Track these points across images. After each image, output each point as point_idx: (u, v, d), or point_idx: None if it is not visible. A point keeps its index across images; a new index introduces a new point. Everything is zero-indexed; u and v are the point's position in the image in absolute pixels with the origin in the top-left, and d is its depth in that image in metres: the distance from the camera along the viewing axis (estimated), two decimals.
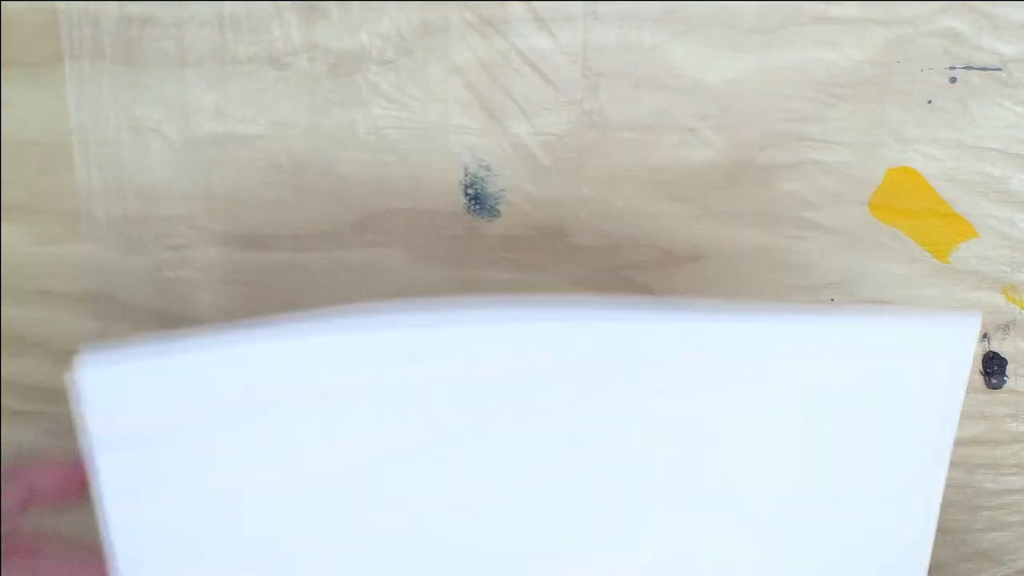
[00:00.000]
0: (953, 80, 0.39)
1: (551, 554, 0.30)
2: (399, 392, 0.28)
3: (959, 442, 0.43)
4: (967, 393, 0.42)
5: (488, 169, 0.40)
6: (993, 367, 0.42)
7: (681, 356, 0.29)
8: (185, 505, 0.28)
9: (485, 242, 0.40)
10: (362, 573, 0.30)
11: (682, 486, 0.31)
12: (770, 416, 0.31)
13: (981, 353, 0.42)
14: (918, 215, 0.40)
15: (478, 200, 0.40)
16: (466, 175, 0.40)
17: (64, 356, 0.40)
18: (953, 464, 0.43)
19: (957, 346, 0.31)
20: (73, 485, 0.32)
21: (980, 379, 0.42)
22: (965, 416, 0.43)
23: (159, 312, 0.40)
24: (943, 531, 0.44)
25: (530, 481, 0.30)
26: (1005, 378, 0.42)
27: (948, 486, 0.43)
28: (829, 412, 0.31)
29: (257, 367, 0.28)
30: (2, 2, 0.37)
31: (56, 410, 0.41)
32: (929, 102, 0.39)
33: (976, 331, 0.32)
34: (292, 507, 0.29)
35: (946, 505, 0.44)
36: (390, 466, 0.29)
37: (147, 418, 0.28)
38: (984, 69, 0.39)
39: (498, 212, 0.40)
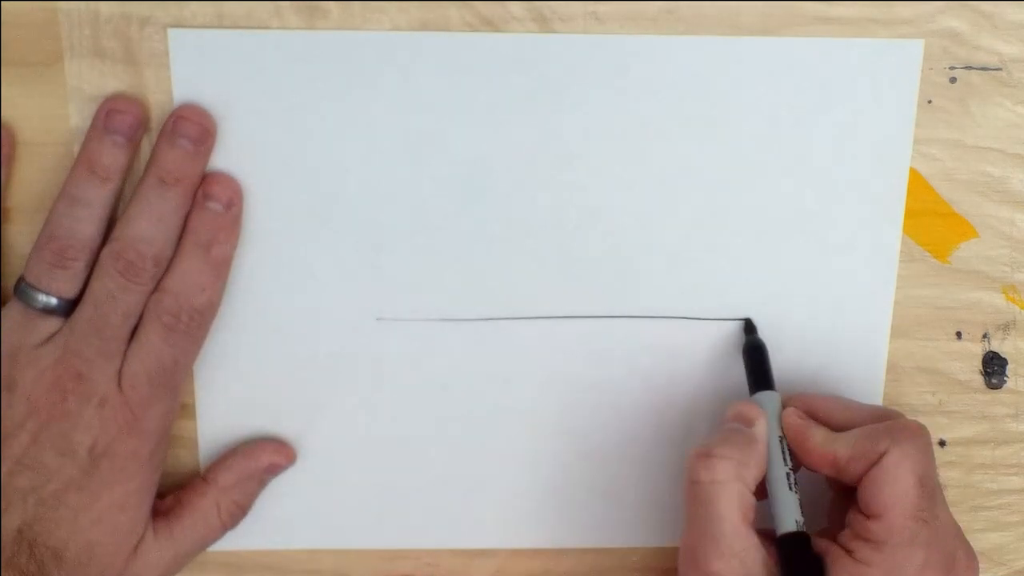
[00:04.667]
0: (953, 80, 0.39)
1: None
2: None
3: (959, 442, 0.43)
4: (967, 393, 0.43)
5: None
6: (993, 367, 0.42)
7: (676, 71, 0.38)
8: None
9: None
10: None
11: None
12: (744, 118, 0.39)
13: (981, 353, 0.42)
14: (918, 215, 0.40)
15: None
16: None
17: None
18: (953, 464, 0.43)
19: (903, 66, 0.38)
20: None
21: (980, 379, 0.42)
22: (965, 416, 0.43)
23: None
24: None
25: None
26: (1005, 378, 0.42)
27: (948, 486, 0.43)
28: (798, 118, 0.39)
29: (321, 56, 0.37)
30: (2, 2, 0.37)
31: None
32: (929, 102, 0.39)
33: (919, 55, 0.38)
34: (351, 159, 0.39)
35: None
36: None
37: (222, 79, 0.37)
38: (984, 69, 0.39)
39: None
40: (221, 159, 0.38)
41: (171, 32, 0.37)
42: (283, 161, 0.38)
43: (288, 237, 0.39)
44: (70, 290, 0.36)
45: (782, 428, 0.37)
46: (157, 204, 0.37)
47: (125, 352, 0.37)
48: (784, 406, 0.38)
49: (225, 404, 0.41)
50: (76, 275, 0.36)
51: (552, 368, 0.41)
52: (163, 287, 0.37)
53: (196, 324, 0.37)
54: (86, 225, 0.36)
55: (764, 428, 0.37)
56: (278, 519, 0.42)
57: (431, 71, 0.38)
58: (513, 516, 0.43)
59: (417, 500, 0.42)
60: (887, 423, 0.36)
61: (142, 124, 0.37)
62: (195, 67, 0.37)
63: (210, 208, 0.38)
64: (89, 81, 0.37)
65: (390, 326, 0.40)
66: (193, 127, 0.37)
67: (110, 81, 0.37)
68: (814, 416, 0.38)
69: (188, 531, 0.39)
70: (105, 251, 0.37)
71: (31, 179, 0.38)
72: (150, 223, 0.37)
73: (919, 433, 0.36)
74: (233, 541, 0.41)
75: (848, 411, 0.38)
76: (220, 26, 0.37)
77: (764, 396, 0.38)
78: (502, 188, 0.39)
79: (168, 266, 0.37)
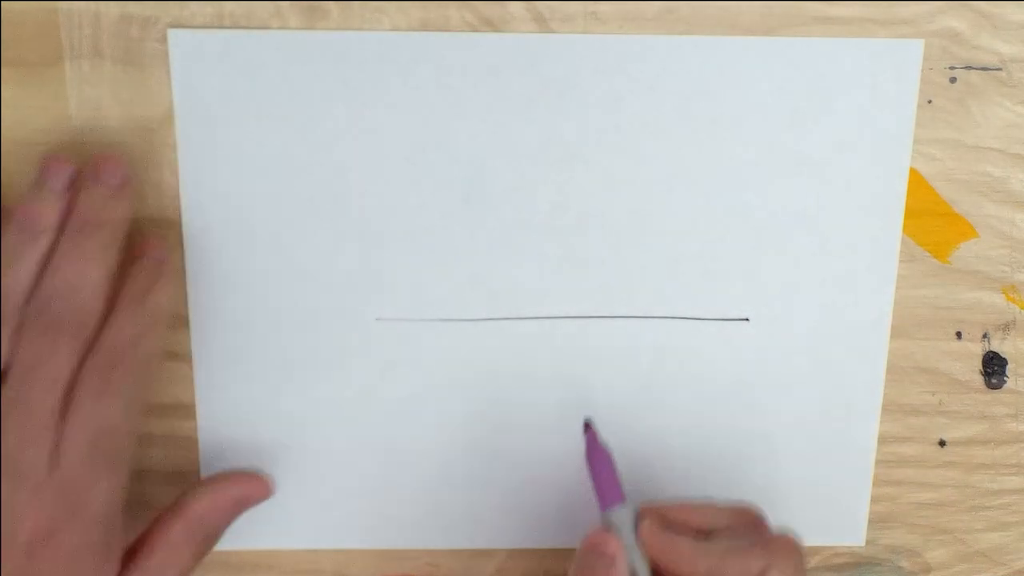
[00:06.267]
0: (953, 80, 0.39)
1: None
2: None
3: (959, 442, 0.43)
4: (967, 393, 0.43)
5: None
6: (993, 367, 0.42)
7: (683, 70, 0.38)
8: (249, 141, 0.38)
9: None
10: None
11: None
12: (748, 119, 0.39)
13: (981, 353, 0.42)
14: (918, 215, 0.40)
15: None
16: None
17: None
18: (953, 464, 0.44)
19: (903, 66, 0.38)
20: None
21: (980, 379, 0.42)
22: (965, 416, 0.43)
23: None
24: (943, 531, 0.44)
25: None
26: (1005, 378, 0.42)
27: (948, 486, 0.43)
28: (798, 118, 0.39)
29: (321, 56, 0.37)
30: (2, 2, 0.37)
31: None
32: (929, 102, 0.39)
33: (919, 55, 0.38)
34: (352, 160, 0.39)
35: (946, 505, 0.44)
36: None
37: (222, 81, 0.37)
38: (984, 69, 0.39)
39: None
40: (221, 159, 0.38)
41: (171, 32, 0.37)
42: (283, 161, 0.38)
43: (288, 237, 0.39)
44: None
45: (641, 543, 0.36)
46: (76, 252, 0.34)
47: (59, 425, 0.33)
48: (638, 518, 0.37)
49: (225, 404, 0.41)
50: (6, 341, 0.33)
51: (552, 368, 0.41)
52: (96, 343, 0.34)
53: (134, 380, 0.34)
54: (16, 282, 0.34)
55: (623, 562, 0.35)
56: (278, 519, 0.42)
57: (431, 71, 0.38)
58: (513, 516, 0.43)
59: (417, 500, 0.42)
60: (762, 540, 0.35)
61: (75, 180, 0.36)
62: (195, 67, 0.37)
63: (147, 260, 0.36)
64: (89, 81, 0.37)
65: (390, 326, 0.40)
66: (112, 170, 0.35)
67: (110, 81, 0.37)
68: (671, 524, 0.36)
69: (158, 569, 0.36)
70: (27, 311, 0.34)
71: (31, 179, 0.38)
72: (73, 273, 0.34)
73: (794, 550, 0.35)
74: (233, 541, 0.41)
75: (704, 514, 0.37)
76: (220, 26, 0.37)
77: (617, 514, 0.37)
78: (502, 188, 0.39)
79: (101, 320, 0.34)
